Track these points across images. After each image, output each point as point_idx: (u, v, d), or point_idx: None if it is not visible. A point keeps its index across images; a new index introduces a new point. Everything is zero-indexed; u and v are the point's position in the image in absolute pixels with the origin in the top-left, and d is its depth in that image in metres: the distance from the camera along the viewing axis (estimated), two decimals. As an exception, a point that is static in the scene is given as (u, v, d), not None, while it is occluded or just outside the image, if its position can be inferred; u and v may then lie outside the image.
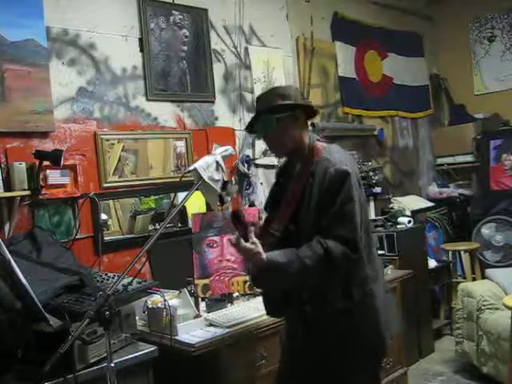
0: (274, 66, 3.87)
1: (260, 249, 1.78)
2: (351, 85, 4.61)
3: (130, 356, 2.01)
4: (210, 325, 2.36)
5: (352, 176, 1.84)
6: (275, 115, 1.90)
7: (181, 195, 2.20)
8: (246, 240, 1.79)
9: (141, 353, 2.04)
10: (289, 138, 1.95)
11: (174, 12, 3.27)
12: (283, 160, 2.23)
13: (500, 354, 3.29)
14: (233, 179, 1.82)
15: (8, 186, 2.46)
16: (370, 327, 1.90)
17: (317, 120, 4.16)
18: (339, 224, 1.80)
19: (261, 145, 3.65)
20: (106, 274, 2.19)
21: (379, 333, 1.92)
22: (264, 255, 1.77)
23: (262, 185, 3.64)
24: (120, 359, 1.95)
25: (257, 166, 3.66)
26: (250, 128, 2.04)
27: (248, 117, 3.63)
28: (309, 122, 2.07)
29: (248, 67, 3.72)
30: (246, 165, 3.54)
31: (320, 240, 1.79)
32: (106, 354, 1.72)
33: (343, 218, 1.81)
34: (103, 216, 2.93)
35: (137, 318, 2.25)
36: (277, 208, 2.00)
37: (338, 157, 1.90)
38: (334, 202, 1.81)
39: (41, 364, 1.60)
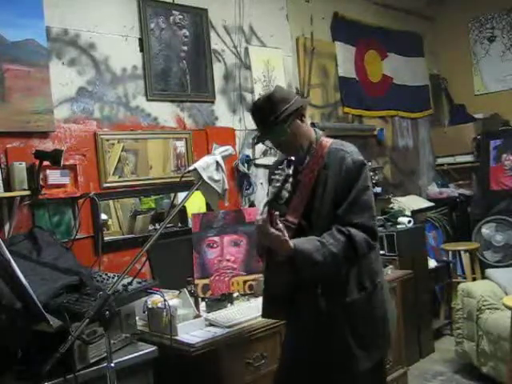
0: (273, 65, 3.86)
1: (287, 236, 1.75)
2: (351, 85, 4.61)
3: (130, 356, 2.01)
4: (210, 325, 2.36)
5: (367, 166, 1.90)
6: (285, 124, 1.89)
7: (181, 195, 2.21)
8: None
9: (141, 353, 2.04)
10: (302, 137, 1.96)
11: (174, 12, 3.27)
12: (280, 156, 2.21)
13: (500, 353, 3.28)
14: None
15: (8, 186, 2.46)
16: (379, 319, 1.93)
17: (317, 120, 4.17)
18: (358, 212, 1.83)
19: (260, 145, 3.65)
20: (106, 274, 2.19)
21: (386, 325, 1.95)
22: (291, 242, 1.75)
23: (262, 185, 3.64)
24: (120, 359, 1.95)
25: (257, 166, 3.66)
26: (262, 138, 2.04)
27: (248, 117, 3.63)
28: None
29: (248, 67, 3.72)
30: (245, 165, 3.54)
31: (340, 228, 1.80)
32: (106, 354, 1.72)
33: (361, 206, 1.84)
34: (103, 216, 2.93)
35: (137, 318, 2.25)
36: (286, 203, 1.99)
37: (351, 148, 1.93)
38: (352, 191, 1.84)
39: (41, 364, 1.61)
